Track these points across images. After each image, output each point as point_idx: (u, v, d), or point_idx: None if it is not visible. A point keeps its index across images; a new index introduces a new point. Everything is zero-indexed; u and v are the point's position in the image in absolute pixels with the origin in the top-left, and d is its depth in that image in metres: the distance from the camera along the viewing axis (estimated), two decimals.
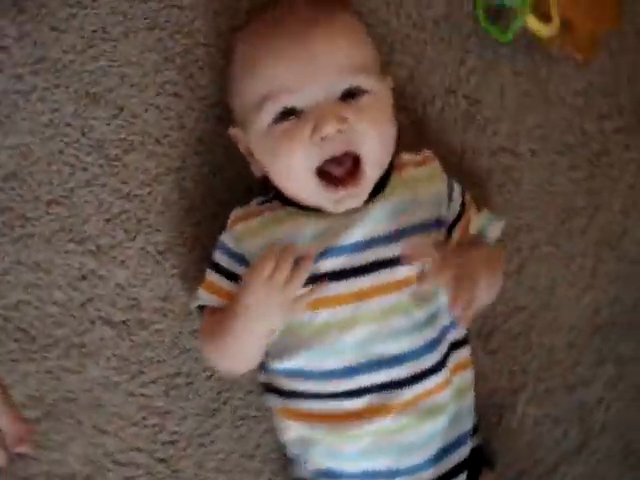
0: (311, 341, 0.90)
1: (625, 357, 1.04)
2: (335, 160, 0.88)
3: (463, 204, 0.97)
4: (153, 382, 1.01)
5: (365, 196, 0.91)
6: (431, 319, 0.92)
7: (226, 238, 0.94)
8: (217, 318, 0.92)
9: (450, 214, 0.96)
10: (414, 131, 1.03)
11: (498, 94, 1.04)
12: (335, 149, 0.87)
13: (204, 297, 0.94)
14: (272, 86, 0.88)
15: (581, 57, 1.04)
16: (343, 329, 0.89)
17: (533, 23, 1.01)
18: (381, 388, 0.90)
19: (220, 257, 0.94)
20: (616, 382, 1.05)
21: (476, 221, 0.97)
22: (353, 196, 0.90)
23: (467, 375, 0.95)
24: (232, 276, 0.93)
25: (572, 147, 1.05)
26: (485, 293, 0.89)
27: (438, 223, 0.94)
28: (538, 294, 1.04)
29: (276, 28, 0.90)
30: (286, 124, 0.89)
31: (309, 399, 0.90)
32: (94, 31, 1.00)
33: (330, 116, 0.86)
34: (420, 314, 0.91)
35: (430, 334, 0.92)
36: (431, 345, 0.91)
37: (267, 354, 0.94)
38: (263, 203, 0.96)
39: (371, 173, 0.90)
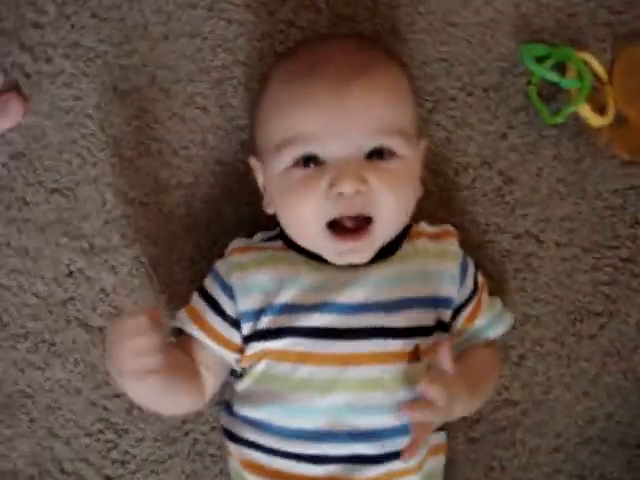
0: (285, 395, 0.85)
1: (608, 476, 0.97)
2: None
3: (475, 289, 0.91)
4: (117, 396, 0.97)
5: (370, 254, 0.86)
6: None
7: (220, 266, 0.90)
8: None
9: (459, 297, 0.90)
10: (440, 197, 0.98)
11: (534, 176, 0.98)
12: (349, 209, 0.83)
13: (182, 319, 0.89)
14: (297, 130, 0.84)
15: (628, 156, 0.98)
16: (320, 391, 0.84)
17: (586, 111, 0.95)
18: (346, 461, 0.84)
19: (210, 284, 0.90)
20: None
21: (484, 314, 0.92)
22: (358, 251, 0.85)
23: (439, 460, 0.89)
24: (216, 306, 0.88)
25: (599, 247, 0.99)
26: (459, 411, 0.86)
27: (445, 302, 0.89)
28: (532, 391, 0.98)
29: (314, 70, 0.85)
30: (304, 172, 0.84)
31: (269, 455, 0.85)
32: (134, 27, 0.96)
33: (351, 175, 0.82)
34: (405, 394, 0.84)
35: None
36: (409, 428, 0.84)
37: (235, 398, 0.89)
38: (267, 240, 0.91)
39: (381, 234, 0.85)
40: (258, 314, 0.86)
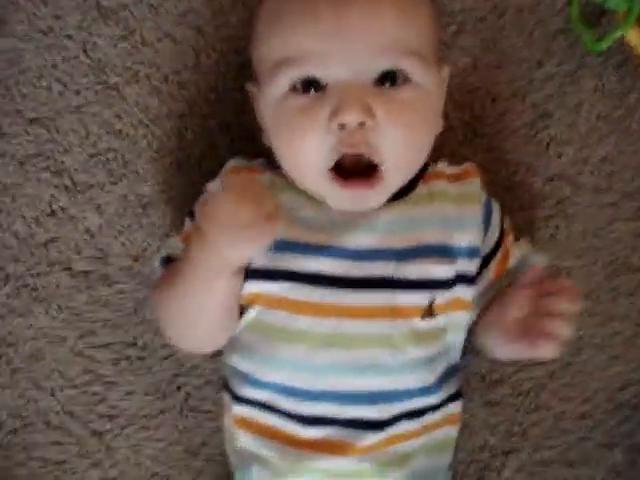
0: (276, 347, 0.75)
1: (639, 448, 0.86)
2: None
3: (501, 234, 0.80)
4: (104, 346, 0.89)
5: (381, 202, 0.74)
6: (429, 362, 0.76)
7: (215, 186, 0.79)
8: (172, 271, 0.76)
9: (485, 245, 0.79)
10: (463, 133, 0.85)
11: (573, 111, 0.85)
12: (352, 146, 0.71)
13: (175, 245, 0.78)
14: (296, 49, 0.72)
15: None
16: (317, 346, 0.74)
17: (634, 37, 0.81)
18: (344, 424, 0.75)
19: None
20: (620, 471, 0.89)
21: (516, 253, 0.80)
22: (366, 199, 0.74)
23: (451, 432, 0.80)
24: None
25: None
26: None
27: (468, 251, 0.77)
28: (561, 352, 0.85)
29: None
30: (304, 98, 0.72)
31: (264, 411, 0.76)
32: None
33: (355, 102, 0.70)
34: (416, 353, 0.75)
35: (425, 378, 0.76)
36: (422, 391, 0.76)
37: (229, 345, 0.79)
38: (267, 167, 0.80)
39: (393, 180, 0.74)
40: None
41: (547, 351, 0.69)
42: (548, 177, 0.87)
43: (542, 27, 0.85)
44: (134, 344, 0.89)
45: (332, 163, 0.72)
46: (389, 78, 0.72)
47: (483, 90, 0.86)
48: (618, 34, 0.82)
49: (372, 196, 0.73)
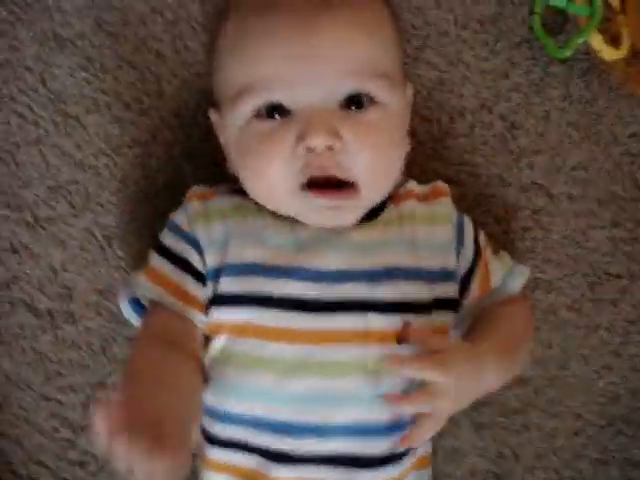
0: (244, 378, 0.71)
1: (634, 462, 0.83)
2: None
3: (477, 252, 0.77)
4: (72, 389, 0.84)
5: (356, 217, 0.72)
6: (407, 391, 0.71)
7: (179, 216, 0.75)
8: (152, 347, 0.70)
9: (461, 265, 0.76)
10: (433, 148, 0.83)
11: (541, 120, 0.83)
12: (321, 168, 0.68)
13: (143, 285, 0.73)
14: (258, 74, 0.69)
15: None
16: (287, 374, 0.70)
17: (598, 42, 0.80)
18: (317, 462, 0.70)
19: (168, 237, 0.75)
20: None
21: (496, 273, 0.77)
22: (343, 210, 0.70)
23: (422, 476, 0.76)
24: (181, 262, 0.73)
25: (618, 199, 0.84)
26: (492, 381, 0.71)
27: (443, 274, 0.74)
28: (547, 367, 0.84)
29: (277, 4, 0.70)
30: (268, 123, 0.70)
31: (236, 451, 0.71)
32: None
33: (321, 126, 0.67)
34: (391, 382, 0.70)
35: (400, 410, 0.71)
36: (394, 427, 0.70)
37: None
38: (233, 192, 0.76)
39: (367, 197, 0.72)
40: (218, 273, 0.72)
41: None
42: (521, 188, 0.85)
43: (505, 38, 0.84)
44: (102, 384, 0.84)
45: (302, 182, 0.69)
46: (355, 101, 0.70)
47: (450, 104, 0.85)
48: (581, 40, 0.81)
49: (349, 207, 0.70)
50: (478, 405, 0.85)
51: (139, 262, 0.83)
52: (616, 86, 0.84)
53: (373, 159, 0.69)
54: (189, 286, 0.72)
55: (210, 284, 0.72)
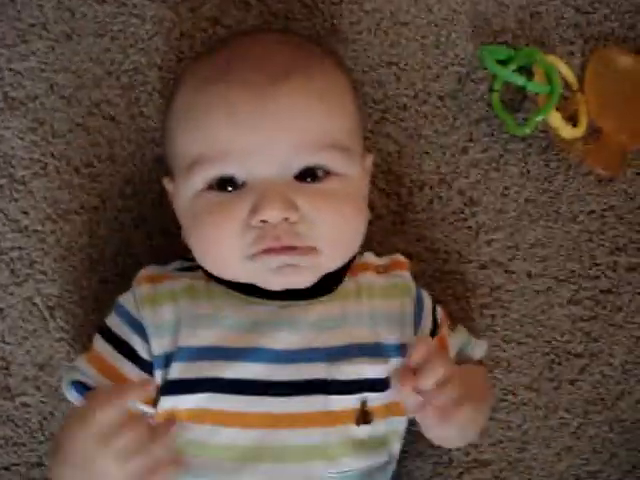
0: (199, 467, 0.66)
1: None
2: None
3: (435, 326, 0.74)
4: (5, 469, 0.78)
5: (313, 279, 0.68)
6: (367, 476, 0.68)
7: (126, 300, 0.71)
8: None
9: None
10: (391, 222, 0.81)
11: (500, 197, 0.82)
12: (277, 239, 0.65)
13: (83, 369, 0.69)
14: (212, 146, 0.67)
15: (604, 172, 0.82)
16: (244, 461, 0.65)
17: (556, 120, 0.80)
18: None
19: (115, 322, 0.71)
20: None
21: (454, 348, 0.75)
22: (298, 269, 0.67)
23: None
24: (125, 349, 0.69)
25: (576, 277, 0.83)
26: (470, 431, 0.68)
27: (400, 349, 0.71)
28: (506, 449, 0.80)
29: (230, 71, 0.68)
30: (220, 196, 0.67)
31: None
32: (32, 25, 0.79)
33: (276, 198, 0.65)
34: (354, 465, 0.67)
35: None
36: None
37: None
38: (184, 270, 0.72)
39: (326, 259, 0.68)
40: (168, 360, 0.67)
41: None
42: (480, 265, 0.83)
43: (464, 114, 0.83)
44: (39, 464, 0.79)
45: (255, 252, 0.66)
46: (310, 173, 0.67)
47: (409, 178, 0.83)
48: (540, 117, 0.81)
49: (306, 268, 0.67)
50: None
51: (82, 335, 0.79)
52: (574, 164, 0.84)
53: (333, 227, 0.67)
54: (131, 374, 0.68)
55: (159, 372, 0.67)
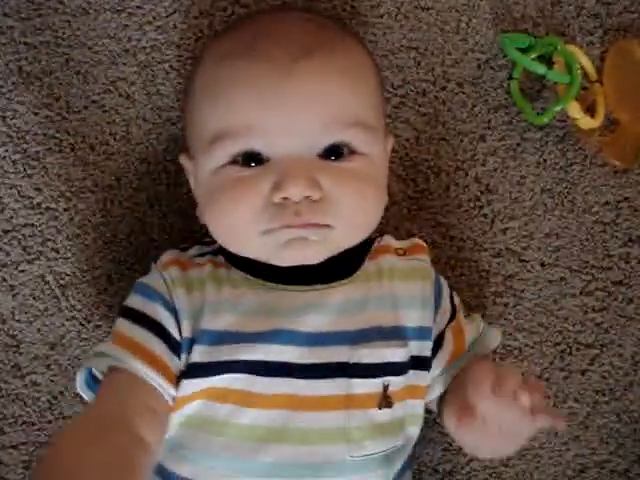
0: (220, 445, 0.64)
1: None
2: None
3: (453, 311, 0.73)
4: (14, 447, 0.77)
5: (324, 254, 0.67)
6: (389, 459, 0.67)
7: (154, 281, 0.68)
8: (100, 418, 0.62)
9: (437, 323, 0.72)
10: (407, 208, 0.79)
11: (516, 186, 0.80)
12: (296, 219, 0.64)
13: (113, 353, 0.65)
14: (237, 121, 0.65)
15: (620, 164, 0.81)
16: (265, 442, 0.64)
17: (575, 111, 0.78)
18: None
19: (140, 302, 0.67)
20: None
21: (470, 333, 0.74)
22: (309, 242, 0.65)
23: None
24: (155, 328, 0.66)
25: (589, 268, 0.81)
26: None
27: (421, 332, 0.70)
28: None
29: (255, 47, 0.66)
30: (244, 170, 0.65)
31: None
32: None
33: (300, 175, 0.63)
34: (375, 448, 0.66)
35: (384, 476, 0.67)
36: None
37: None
38: (204, 255, 0.71)
39: (339, 239, 0.67)
40: (191, 343, 0.66)
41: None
42: (494, 253, 0.82)
43: (483, 101, 0.81)
44: (48, 443, 0.76)
45: (268, 228, 0.65)
46: (334, 151, 0.66)
47: (426, 164, 0.81)
48: (559, 107, 0.79)
49: (316, 242, 0.65)
50: (444, 476, 0.80)
51: (94, 314, 0.77)
52: (591, 154, 0.82)
53: (353, 207, 0.65)
54: (164, 355, 0.65)
55: (184, 355, 0.66)
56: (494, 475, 0.81)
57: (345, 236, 0.67)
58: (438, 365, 0.71)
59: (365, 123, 0.67)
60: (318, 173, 0.64)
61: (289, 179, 0.63)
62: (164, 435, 0.65)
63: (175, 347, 0.66)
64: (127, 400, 0.62)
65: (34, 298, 0.77)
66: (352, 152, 0.67)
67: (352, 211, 0.65)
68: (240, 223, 0.65)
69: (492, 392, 0.61)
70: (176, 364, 0.65)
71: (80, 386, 0.66)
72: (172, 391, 0.65)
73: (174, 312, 0.66)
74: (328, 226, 0.65)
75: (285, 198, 0.64)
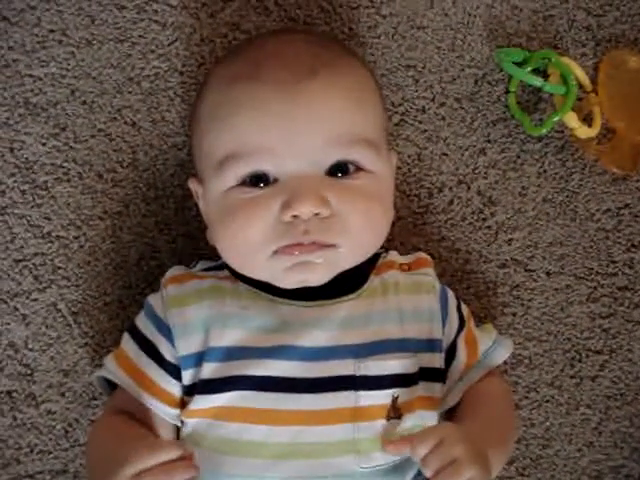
0: (230, 464, 0.62)
1: None
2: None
3: (461, 322, 0.70)
4: (30, 477, 0.73)
5: (328, 275, 0.64)
6: (399, 469, 0.64)
7: (154, 300, 0.67)
8: (117, 432, 0.63)
9: (447, 335, 0.69)
10: (412, 223, 0.76)
11: (518, 197, 0.77)
12: (305, 236, 0.62)
13: (110, 369, 0.66)
14: (245, 143, 0.63)
15: (619, 171, 0.78)
16: (275, 458, 0.61)
17: (572, 121, 0.75)
18: None
19: (143, 323, 0.67)
20: None
21: (483, 342, 0.71)
22: (312, 267, 0.63)
23: None
24: (151, 351, 0.66)
25: (594, 275, 0.78)
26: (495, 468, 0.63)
27: (429, 344, 0.67)
28: (529, 445, 0.76)
29: (260, 70, 0.64)
30: (253, 191, 0.63)
31: None
32: (52, 31, 0.74)
33: (309, 193, 0.61)
34: (384, 459, 0.63)
35: None
36: None
37: None
38: (210, 269, 0.68)
39: (344, 258, 0.65)
40: (199, 359, 0.64)
41: None
42: (500, 264, 0.79)
43: (482, 116, 0.79)
44: (64, 471, 0.73)
45: (279, 246, 0.62)
46: (341, 169, 0.64)
47: (429, 179, 0.78)
48: (557, 118, 0.76)
49: (320, 264, 0.63)
50: None
51: (106, 340, 0.73)
52: (590, 163, 0.79)
53: (361, 222, 0.64)
54: (155, 376, 0.65)
55: (189, 372, 0.64)
56: None
57: (351, 255, 0.65)
58: (454, 375, 0.68)
59: (370, 140, 0.65)
60: (326, 191, 0.62)
61: (298, 198, 0.61)
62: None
63: (168, 368, 0.65)
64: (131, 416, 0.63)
65: (46, 326, 0.73)
66: (358, 169, 0.65)
67: (359, 228, 0.63)
68: (251, 243, 0.63)
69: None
70: (172, 383, 0.64)
71: (98, 385, 0.69)
72: (165, 408, 0.64)
73: (168, 332, 0.65)
74: (334, 246, 0.63)
75: (295, 216, 0.61)
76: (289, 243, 0.62)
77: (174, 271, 0.68)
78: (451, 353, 0.69)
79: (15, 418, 0.73)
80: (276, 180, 0.63)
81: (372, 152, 0.65)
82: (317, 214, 0.62)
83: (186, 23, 0.77)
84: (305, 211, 0.61)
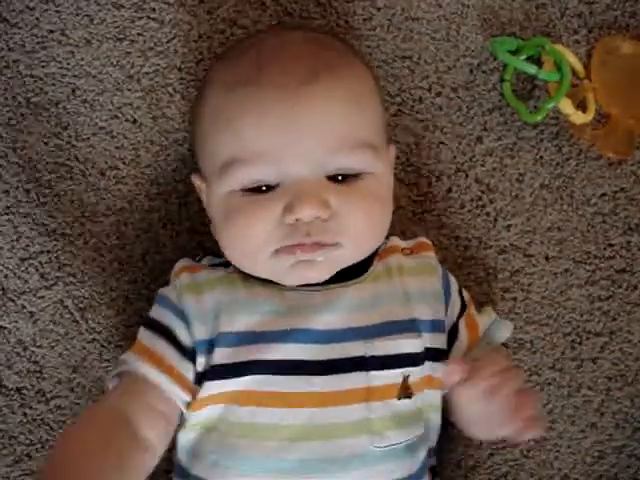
0: (245, 446, 0.61)
1: None
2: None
3: (463, 304, 0.69)
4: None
5: (329, 273, 0.64)
6: (412, 448, 0.63)
7: (167, 291, 0.66)
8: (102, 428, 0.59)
9: (450, 316, 0.69)
10: (412, 212, 0.74)
11: (515, 183, 0.75)
12: (307, 237, 0.61)
13: (128, 360, 0.63)
14: (244, 149, 0.62)
15: (614, 156, 0.76)
16: (290, 439, 0.60)
17: (567, 107, 0.73)
18: None
19: (158, 312, 0.65)
20: None
21: (483, 323, 0.70)
22: (314, 265, 0.62)
23: None
24: (168, 334, 0.64)
25: (592, 258, 0.76)
26: None
27: (433, 324, 0.67)
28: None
29: (261, 74, 0.63)
30: (255, 195, 0.62)
31: None
32: (51, 31, 0.72)
33: (310, 197, 0.61)
34: (397, 438, 0.62)
35: (409, 465, 0.63)
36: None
37: (182, 455, 0.64)
38: (216, 265, 0.67)
39: (346, 256, 0.64)
40: (210, 345, 0.62)
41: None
42: (500, 250, 0.77)
43: (478, 104, 0.77)
44: None
45: (280, 246, 0.62)
46: (342, 172, 0.63)
47: (427, 168, 0.77)
48: (551, 105, 0.74)
49: (322, 262, 0.62)
50: (467, 471, 0.74)
51: (114, 335, 0.71)
52: (585, 148, 0.77)
53: (361, 224, 0.63)
54: (174, 359, 0.63)
55: (202, 358, 0.63)
56: (515, 467, 0.76)
57: (351, 254, 0.64)
58: (454, 357, 0.67)
59: (370, 143, 0.64)
60: (327, 194, 0.62)
61: (300, 202, 0.60)
62: (169, 436, 0.62)
63: (186, 352, 0.63)
64: (132, 400, 0.60)
65: (54, 323, 0.72)
66: (359, 172, 0.64)
67: (360, 228, 0.63)
68: (253, 243, 0.62)
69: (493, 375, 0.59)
70: (188, 368, 0.62)
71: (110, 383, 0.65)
72: (182, 394, 0.62)
73: (183, 317, 0.63)
74: (336, 245, 0.62)
75: (297, 219, 0.61)
76: (291, 244, 0.61)
77: (184, 262, 0.67)
78: (453, 334, 0.68)
79: (25, 414, 0.71)
80: (278, 184, 0.62)
81: (372, 154, 0.64)
82: (318, 218, 0.61)
83: (184, 20, 0.75)
84: (307, 214, 0.60)
